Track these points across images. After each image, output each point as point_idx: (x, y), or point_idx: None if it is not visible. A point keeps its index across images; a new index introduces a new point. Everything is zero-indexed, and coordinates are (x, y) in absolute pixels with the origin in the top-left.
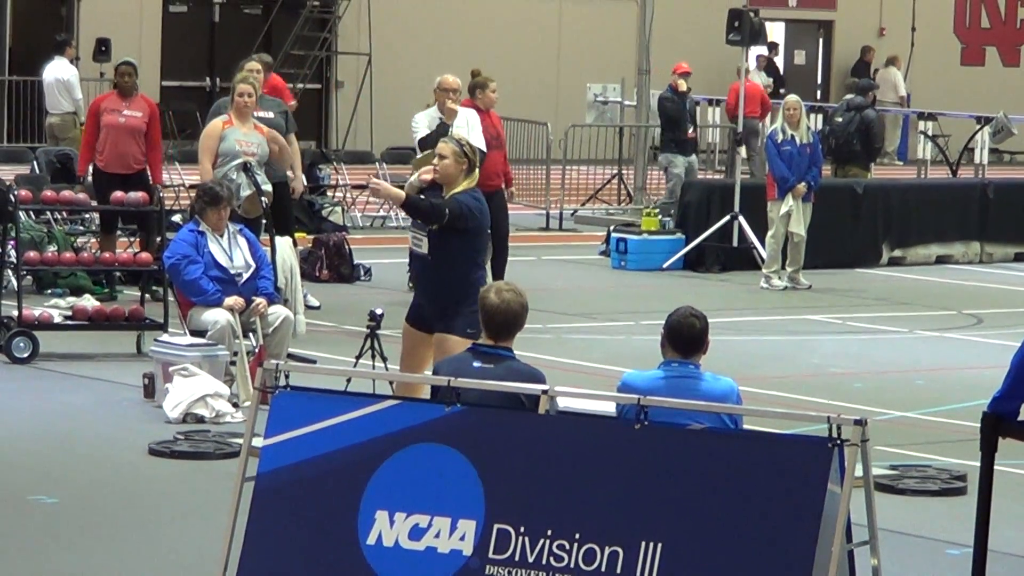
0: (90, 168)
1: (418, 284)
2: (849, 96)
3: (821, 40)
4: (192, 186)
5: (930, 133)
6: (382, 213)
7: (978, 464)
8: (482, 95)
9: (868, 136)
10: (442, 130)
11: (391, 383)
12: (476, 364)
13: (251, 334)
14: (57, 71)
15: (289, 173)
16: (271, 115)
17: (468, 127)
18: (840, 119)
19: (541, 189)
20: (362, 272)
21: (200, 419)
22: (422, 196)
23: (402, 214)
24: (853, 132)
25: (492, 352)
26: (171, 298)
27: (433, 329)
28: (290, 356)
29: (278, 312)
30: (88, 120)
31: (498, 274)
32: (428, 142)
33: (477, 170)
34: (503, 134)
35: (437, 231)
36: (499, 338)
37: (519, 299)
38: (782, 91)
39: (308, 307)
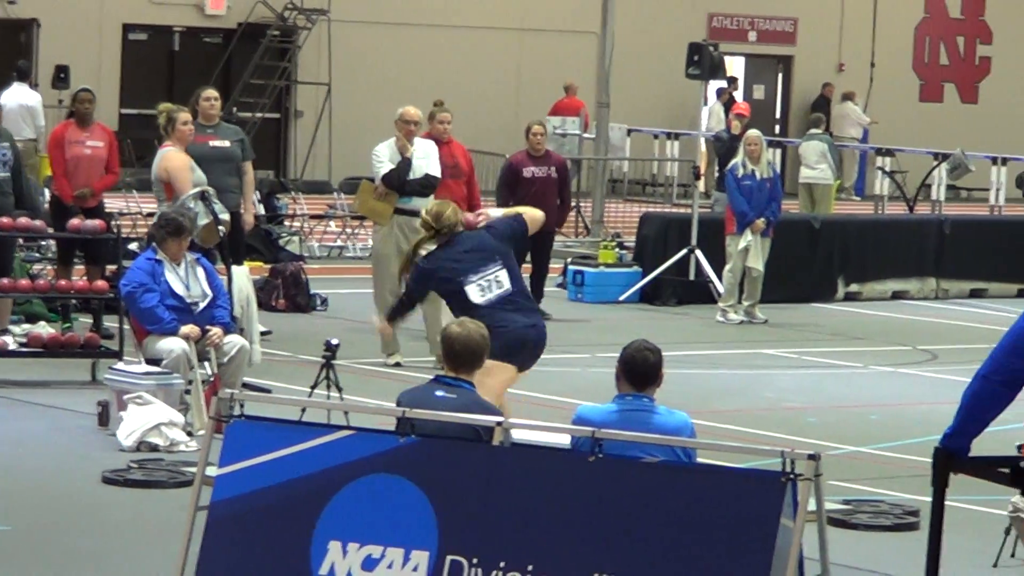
0: (47, 196)
1: None
2: None
3: (781, 75)
4: (150, 214)
5: (888, 169)
6: (339, 243)
7: (930, 499)
8: (430, 124)
9: None
10: (403, 165)
11: (345, 413)
12: (439, 393)
13: (206, 363)
14: (20, 97)
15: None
16: (227, 143)
17: (427, 158)
18: None
19: None
20: (319, 302)
21: (154, 447)
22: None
23: (359, 246)
24: None
25: (454, 383)
26: (126, 326)
27: None
28: (245, 385)
29: (234, 341)
30: (54, 151)
31: None
32: (391, 179)
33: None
34: (464, 164)
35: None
36: (459, 369)
37: (480, 331)
38: None
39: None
